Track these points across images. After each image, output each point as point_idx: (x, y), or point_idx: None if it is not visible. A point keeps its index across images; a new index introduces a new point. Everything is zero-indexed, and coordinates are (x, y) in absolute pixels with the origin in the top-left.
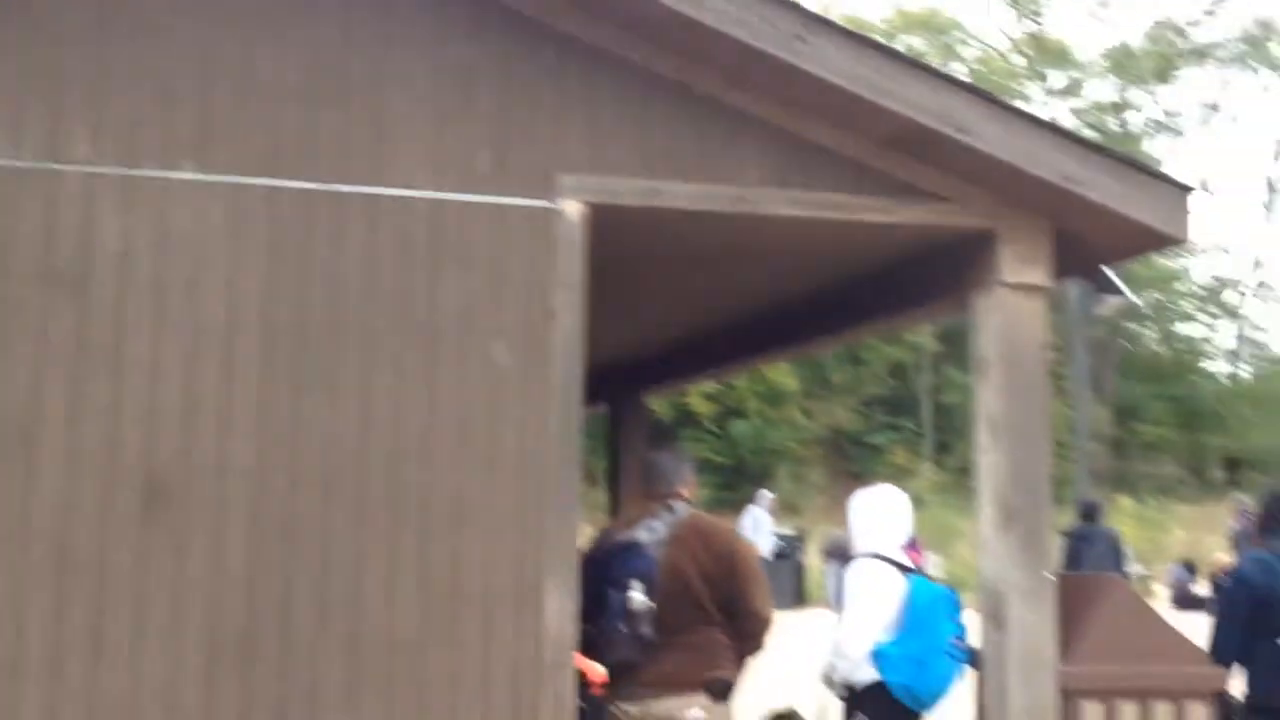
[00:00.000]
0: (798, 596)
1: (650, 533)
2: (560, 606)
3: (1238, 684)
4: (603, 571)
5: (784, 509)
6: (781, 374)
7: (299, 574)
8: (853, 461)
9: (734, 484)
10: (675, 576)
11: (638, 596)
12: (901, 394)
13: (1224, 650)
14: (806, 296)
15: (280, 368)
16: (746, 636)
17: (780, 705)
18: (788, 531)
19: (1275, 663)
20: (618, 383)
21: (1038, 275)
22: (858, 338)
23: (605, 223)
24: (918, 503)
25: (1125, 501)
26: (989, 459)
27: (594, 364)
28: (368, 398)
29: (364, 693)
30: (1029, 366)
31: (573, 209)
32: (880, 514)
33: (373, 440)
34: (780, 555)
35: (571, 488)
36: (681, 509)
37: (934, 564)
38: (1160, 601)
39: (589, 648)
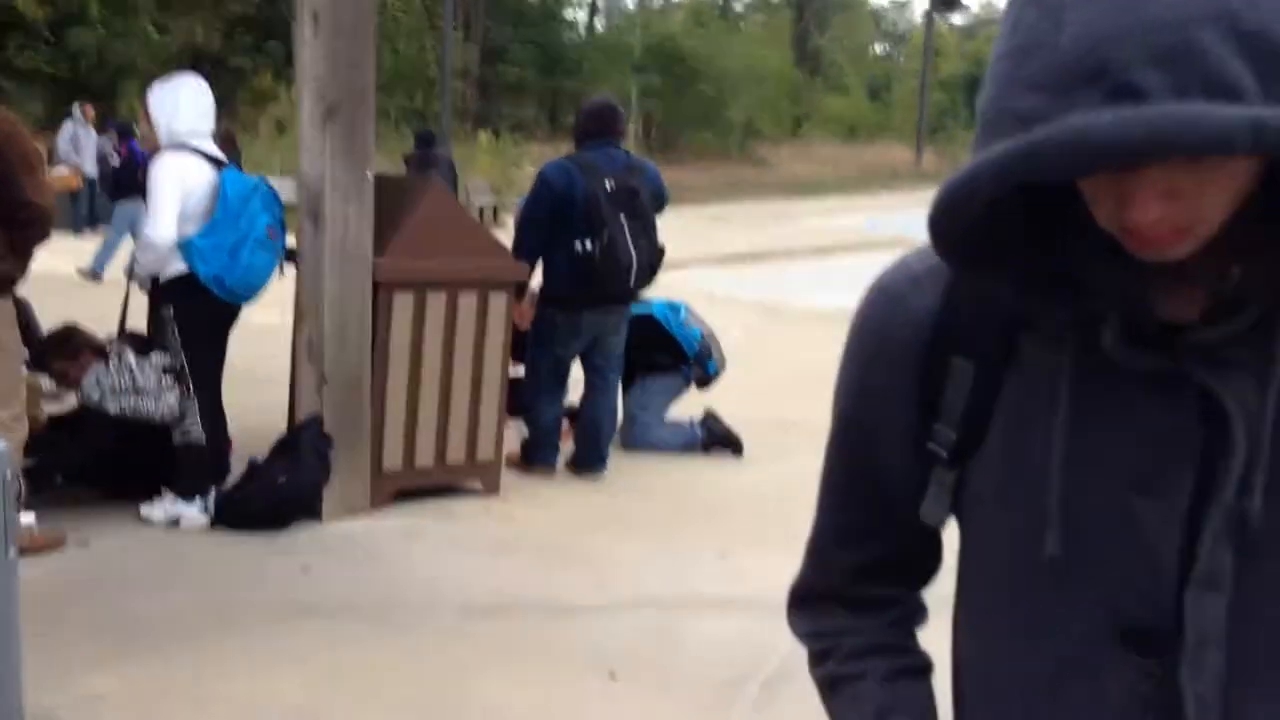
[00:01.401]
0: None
1: None
2: None
3: (537, 278)
4: None
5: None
6: None
7: None
8: (213, 83)
9: (72, 100)
10: None
11: None
12: (270, 16)
13: (526, 248)
14: None
15: None
16: (20, 226)
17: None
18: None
19: (569, 261)
20: None
21: None
22: None
23: None
24: (281, 129)
25: (485, 137)
26: (309, 52)
27: None
28: None
29: None
30: None
31: None
32: (183, 105)
33: None
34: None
35: None
36: None
37: (285, 188)
38: (508, 228)
39: None
